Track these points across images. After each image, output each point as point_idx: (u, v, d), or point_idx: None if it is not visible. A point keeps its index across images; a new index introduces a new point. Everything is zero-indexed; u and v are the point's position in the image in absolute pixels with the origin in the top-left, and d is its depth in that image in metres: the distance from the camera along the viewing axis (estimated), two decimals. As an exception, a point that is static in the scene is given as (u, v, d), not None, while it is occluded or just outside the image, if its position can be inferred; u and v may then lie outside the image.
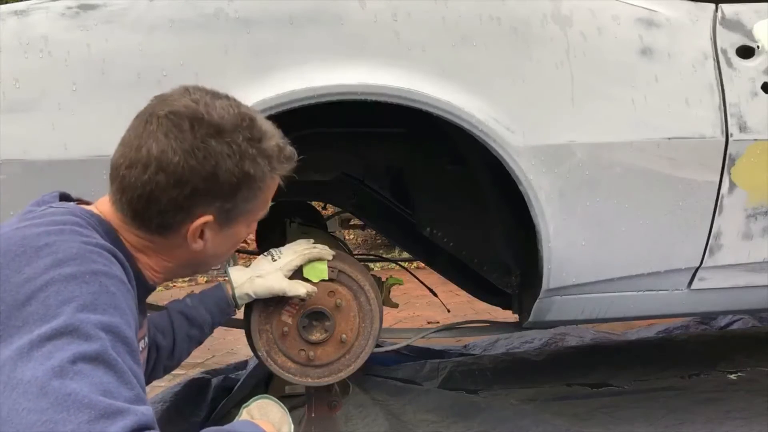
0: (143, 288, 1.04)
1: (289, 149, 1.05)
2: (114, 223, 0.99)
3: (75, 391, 0.74)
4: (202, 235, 1.00)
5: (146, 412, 0.78)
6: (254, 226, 1.10)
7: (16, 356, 0.76)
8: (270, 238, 2.21)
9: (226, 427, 0.98)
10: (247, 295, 1.43)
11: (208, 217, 0.98)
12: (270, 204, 1.08)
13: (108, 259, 0.89)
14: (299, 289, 1.47)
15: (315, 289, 1.52)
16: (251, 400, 1.24)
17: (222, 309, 1.41)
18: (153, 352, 1.31)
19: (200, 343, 1.43)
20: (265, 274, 1.44)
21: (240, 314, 1.67)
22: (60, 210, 0.96)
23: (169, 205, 0.96)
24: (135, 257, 1.01)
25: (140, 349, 1.03)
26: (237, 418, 1.20)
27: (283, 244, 1.65)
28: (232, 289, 1.41)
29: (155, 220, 0.97)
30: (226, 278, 1.44)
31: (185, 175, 0.94)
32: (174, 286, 5.15)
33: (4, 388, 0.75)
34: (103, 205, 1.01)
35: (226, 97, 1.01)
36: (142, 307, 1.09)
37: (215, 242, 1.03)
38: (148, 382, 1.21)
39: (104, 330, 0.80)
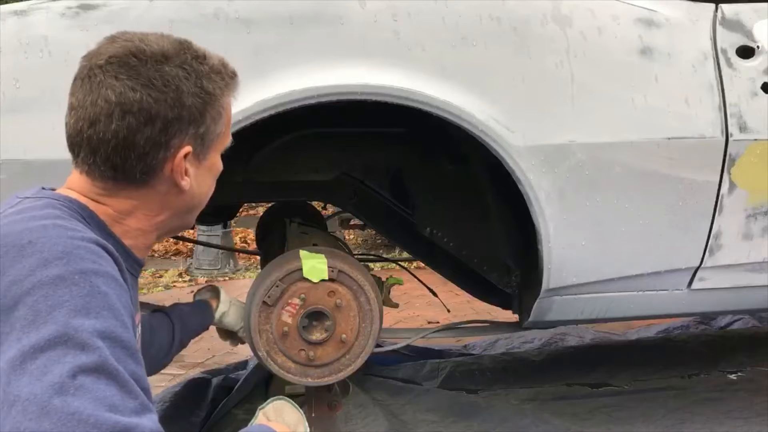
0: (135, 266, 1.00)
1: (230, 65, 1.02)
2: (92, 197, 0.95)
3: (79, 409, 0.70)
4: (186, 172, 0.96)
5: (153, 426, 0.75)
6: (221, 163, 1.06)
7: (8, 368, 0.73)
8: (270, 238, 2.21)
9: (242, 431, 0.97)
10: (222, 314, 1.60)
11: (187, 148, 0.94)
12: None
13: (97, 253, 0.84)
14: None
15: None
16: (267, 402, 1.23)
17: (202, 311, 1.56)
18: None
19: (173, 349, 1.47)
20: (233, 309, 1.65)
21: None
22: (39, 204, 0.90)
23: (146, 146, 0.91)
24: (121, 233, 0.96)
25: (137, 335, 1.00)
26: (252, 420, 1.19)
27: (283, 244, 1.65)
28: (218, 304, 1.59)
29: (138, 167, 0.93)
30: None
31: (152, 107, 0.90)
32: (174, 286, 5.16)
33: (2, 404, 0.72)
34: (74, 184, 0.96)
35: (150, 33, 0.97)
36: (135, 285, 1.04)
37: (198, 178, 0.99)
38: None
39: (101, 337, 0.76)
